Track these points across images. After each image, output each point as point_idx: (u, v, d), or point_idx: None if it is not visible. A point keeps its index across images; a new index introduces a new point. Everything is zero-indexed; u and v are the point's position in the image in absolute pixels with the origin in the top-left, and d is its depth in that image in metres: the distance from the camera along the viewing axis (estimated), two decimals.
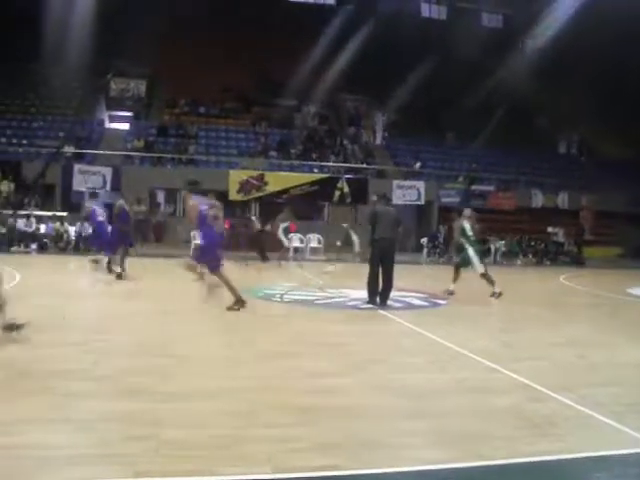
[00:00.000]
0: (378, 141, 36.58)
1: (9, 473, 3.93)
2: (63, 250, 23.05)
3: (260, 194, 29.48)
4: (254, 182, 29.18)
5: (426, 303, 12.98)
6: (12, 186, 26.64)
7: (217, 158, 31.30)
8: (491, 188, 33.72)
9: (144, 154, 30.34)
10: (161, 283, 15.25)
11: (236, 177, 29.10)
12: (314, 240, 25.84)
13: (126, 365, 6.66)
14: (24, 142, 29.50)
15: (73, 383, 5.90)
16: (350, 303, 12.37)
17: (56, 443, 4.44)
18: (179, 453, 4.36)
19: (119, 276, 14.56)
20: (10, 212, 23.64)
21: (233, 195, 28.66)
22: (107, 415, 5.06)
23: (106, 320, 9.73)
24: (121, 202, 15.78)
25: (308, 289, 14.58)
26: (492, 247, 27.12)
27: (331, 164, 32.23)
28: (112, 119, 35.78)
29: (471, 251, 13.52)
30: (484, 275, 13.49)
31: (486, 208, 30.63)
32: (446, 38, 35.91)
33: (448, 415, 5.43)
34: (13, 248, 22.18)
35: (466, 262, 13.68)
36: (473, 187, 33.22)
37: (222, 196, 26.90)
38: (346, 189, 30.33)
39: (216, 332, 8.99)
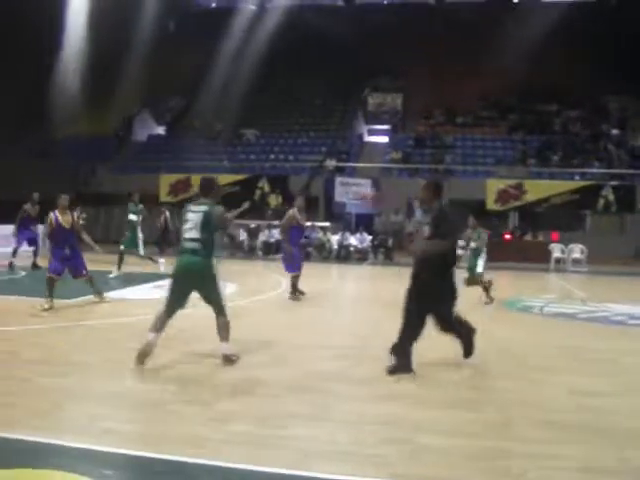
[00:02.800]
0: None
1: (278, 459, 4.29)
2: (326, 259, 24.13)
3: (518, 203, 28.57)
4: (512, 191, 28.35)
5: None
6: (280, 199, 28.57)
7: (474, 168, 30.93)
8: None
9: (402, 166, 30.87)
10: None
11: (493, 186, 28.51)
12: (576, 251, 24.45)
13: (380, 370, 6.77)
14: (291, 158, 31.56)
15: (333, 384, 6.21)
16: (615, 318, 11.50)
17: (318, 438, 4.74)
18: (434, 459, 4.38)
19: None
20: (278, 223, 25.26)
21: (491, 205, 28.08)
22: (364, 416, 5.25)
23: (361, 324, 10.00)
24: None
25: (569, 302, 13.78)
26: None
27: (594, 170, 30.32)
28: (371, 133, 37.00)
29: None
30: None
31: None
32: None
33: None
34: (277, 256, 23.69)
35: None
36: None
37: (479, 206, 26.74)
38: (611, 197, 28.29)
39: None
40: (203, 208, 6.90)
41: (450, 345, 7.11)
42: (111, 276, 14.66)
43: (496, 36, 29.64)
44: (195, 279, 6.81)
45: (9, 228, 16.94)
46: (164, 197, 29.21)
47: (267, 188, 29.08)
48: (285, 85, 32.87)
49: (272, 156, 32.05)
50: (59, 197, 10.73)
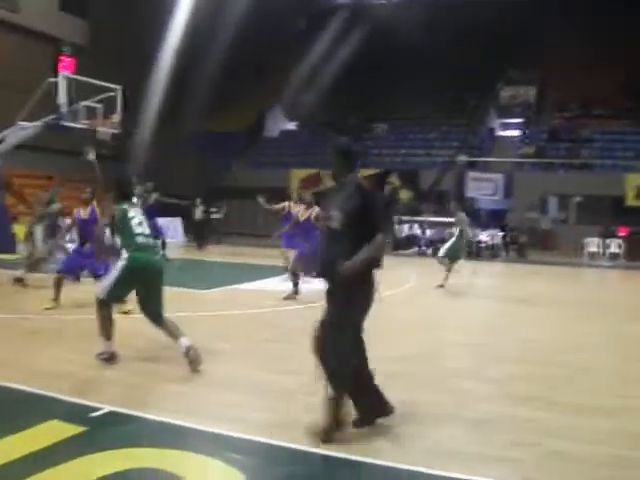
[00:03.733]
0: None
1: (406, 456, 4.27)
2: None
3: None
4: None
5: None
6: (411, 194, 28.70)
7: (613, 162, 29.73)
8: None
9: (535, 160, 30.16)
10: (555, 288, 15.24)
11: (633, 182, 27.32)
12: None
13: (512, 370, 6.74)
14: (421, 152, 31.55)
15: (464, 382, 6.23)
16: None
17: (447, 436, 4.74)
18: (563, 465, 4.30)
19: None
20: (409, 218, 25.44)
21: (630, 200, 26.94)
22: (494, 417, 5.22)
23: (493, 321, 10.06)
24: None
25: None
26: None
27: None
28: (503, 127, 36.30)
29: None
30: None
31: None
32: None
33: None
34: (408, 251, 23.88)
35: None
36: None
37: (617, 202, 25.71)
38: None
39: (610, 343, 8.52)
40: None
41: (588, 348, 7.01)
42: None
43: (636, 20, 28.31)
44: None
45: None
46: (295, 192, 29.97)
47: (397, 183, 29.27)
48: (415, 79, 32.79)
49: (403, 151, 32.15)
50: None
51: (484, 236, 24.08)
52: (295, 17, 35.60)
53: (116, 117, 17.68)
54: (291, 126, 38.08)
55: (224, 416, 5.01)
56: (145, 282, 6.40)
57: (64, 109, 16.97)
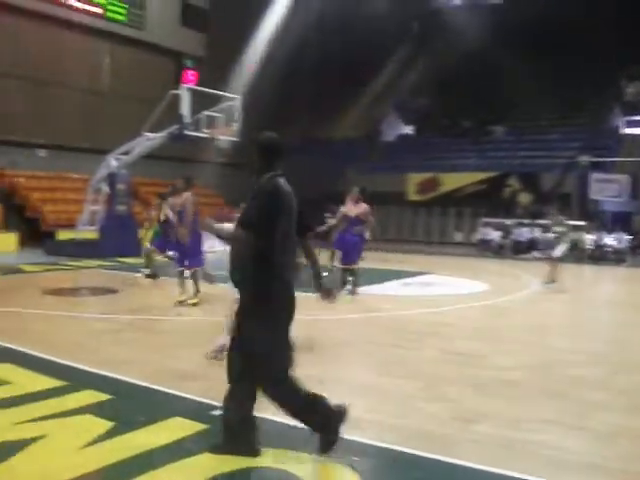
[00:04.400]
0: None
1: (526, 465, 4.24)
2: (579, 259, 23.13)
3: None
4: None
5: None
6: (530, 197, 27.85)
7: None
8: None
9: None
10: None
11: None
12: None
13: (638, 380, 6.51)
14: (541, 154, 30.57)
15: (586, 391, 6.03)
16: None
17: (569, 447, 4.61)
18: None
19: None
20: (529, 221, 24.70)
21: None
22: (619, 429, 5.04)
23: (618, 329, 9.60)
24: None
25: None
26: None
27: None
28: (629, 124, 34.60)
29: None
30: None
31: None
32: None
33: None
34: (529, 255, 23.19)
35: None
36: None
37: None
38: None
39: None
40: None
41: None
42: None
43: None
44: None
45: None
46: (412, 196, 29.84)
47: (517, 186, 28.51)
48: (533, 79, 31.85)
49: (522, 153, 31.28)
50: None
51: (609, 240, 23.03)
52: (408, 20, 35.46)
53: (235, 126, 18.15)
54: (407, 130, 37.89)
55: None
56: None
57: (187, 119, 17.60)
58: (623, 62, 32.38)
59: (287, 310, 4.20)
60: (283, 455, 4.30)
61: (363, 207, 12.18)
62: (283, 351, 4.20)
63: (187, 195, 10.09)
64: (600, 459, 4.41)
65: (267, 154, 4.27)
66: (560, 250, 13.48)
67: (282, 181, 4.20)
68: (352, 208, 12.17)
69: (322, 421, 4.26)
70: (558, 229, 13.76)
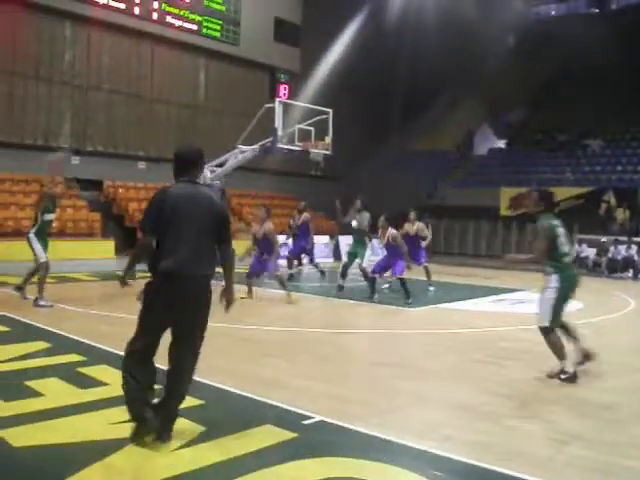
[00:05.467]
0: None
1: None
2: None
3: None
4: None
5: None
6: (628, 213, 26.85)
7: None
8: None
9: None
10: None
11: None
12: None
13: None
14: (639, 169, 29.53)
15: None
16: None
17: None
18: None
19: None
20: (625, 239, 23.83)
21: None
22: None
23: None
24: None
25: None
26: None
27: None
28: None
29: None
30: None
31: None
32: None
33: None
34: (624, 274, 22.33)
35: None
36: None
37: None
38: None
39: None
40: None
41: None
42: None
43: None
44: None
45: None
46: (504, 211, 29.31)
47: (613, 201, 27.56)
48: (630, 91, 30.75)
49: (619, 167, 30.26)
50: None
51: None
52: (503, 33, 34.95)
53: (327, 139, 18.33)
54: (500, 144, 37.33)
55: (429, 433, 5.08)
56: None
57: (280, 132, 17.90)
58: None
59: (162, 299, 4.55)
60: (368, 466, 4.33)
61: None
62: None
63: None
64: None
65: (176, 164, 4.83)
66: None
67: (179, 186, 4.75)
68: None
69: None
70: None
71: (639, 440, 5.15)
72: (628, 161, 30.56)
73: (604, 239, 24.17)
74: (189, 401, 5.47)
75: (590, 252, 24.18)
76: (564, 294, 6.75)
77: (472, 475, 4.38)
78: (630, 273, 22.36)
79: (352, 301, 12.83)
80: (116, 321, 9.33)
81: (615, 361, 8.12)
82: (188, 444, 4.54)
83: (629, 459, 4.70)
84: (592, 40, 28.84)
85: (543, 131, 34.26)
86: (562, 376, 6.74)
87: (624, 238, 23.86)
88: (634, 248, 23.06)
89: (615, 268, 23.08)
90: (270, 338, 8.85)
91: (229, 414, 5.38)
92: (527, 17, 38.17)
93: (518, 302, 13.45)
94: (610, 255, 23.56)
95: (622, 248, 23.38)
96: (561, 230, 6.86)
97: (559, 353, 6.80)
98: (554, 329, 6.82)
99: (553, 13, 39.64)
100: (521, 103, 35.77)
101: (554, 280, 6.74)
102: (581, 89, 31.43)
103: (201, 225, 4.67)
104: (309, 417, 5.25)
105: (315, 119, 18.75)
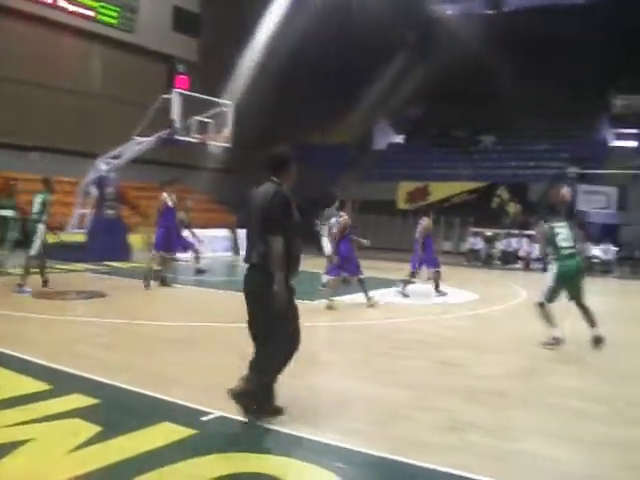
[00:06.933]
0: None
1: (515, 475, 4.33)
2: None
3: None
4: None
5: None
6: (519, 207, 27.96)
7: None
8: None
9: None
10: None
11: None
12: None
13: (624, 392, 6.54)
14: (531, 164, 30.75)
15: (573, 401, 6.05)
16: None
17: (555, 457, 4.64)
18: None
19: None
20: (517, 232, 24.77)
21: None
22: (603, 438, 5.07)
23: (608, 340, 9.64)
24: None
25: None
26: None
27: None
28: (617, 137, 34.83)
29: None
30: None
31: None
32: None
33: None
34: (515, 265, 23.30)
35: None
36: None
37: None
38: None
39: None
40: None
41: None
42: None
43: None
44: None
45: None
46: (401, 204, 29.92)
47: (505, 196, 28.64)
48: (523, 90, 32.00)
49: (511, 163, 31.44)
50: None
51: (597, 251, 23.06)
52: (403, 29, 35.57)
53: (227, 131, 18.15)
54: (399, 139, 38.00)
55: (331, 426, 5.09)
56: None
57: (177, 124, 17.58)
58: (612, 74, 32.63)
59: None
60: (271, 460, 4.33)
61: None
62: None
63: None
64: (585, 469, 4.45)
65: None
66: None
67: None
68: None
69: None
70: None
71: (528, 424, 5.36)
72: (519, 157, 31.80)
73: (489, 232, 25.10)
74: (83, 400, 5.30)
75: (483, 245, 25.02)
76: (560, 278, 8.32)
77: (374, 465, 4.42)
78: (520, 264, 23.26)
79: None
80: None
81: (505, 349, 8.42)
82: (85, 444, 4.38)
83: (518, 443, 4.88)
84: (487, 39, 29.83)
85: (440, 127, 35.12)
86: (551, 340, 8.31)
87: (515, 231, 24.78)
88: (524, 240, 23.98)
89: (507, 260, 23.98)
90: (165, 334, 8.64)
91: (126, 412, 5.22)
92: (426, 15, 39.00)
93: (417, 293, 13.66)
94: (503, 247, 24.45)
95: (514, 241, 24.29)
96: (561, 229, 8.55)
97: (550, 322, 8.36)
98: (544, 304, 8.40)
99: (449, 12, 40.61)
100: (419, 99, 36.51)
101: (554, 267, 8.45)
102: (475, 86, 32.33)
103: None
104: (208, 413, 5.15)
105: (216, 110, 18.54)
